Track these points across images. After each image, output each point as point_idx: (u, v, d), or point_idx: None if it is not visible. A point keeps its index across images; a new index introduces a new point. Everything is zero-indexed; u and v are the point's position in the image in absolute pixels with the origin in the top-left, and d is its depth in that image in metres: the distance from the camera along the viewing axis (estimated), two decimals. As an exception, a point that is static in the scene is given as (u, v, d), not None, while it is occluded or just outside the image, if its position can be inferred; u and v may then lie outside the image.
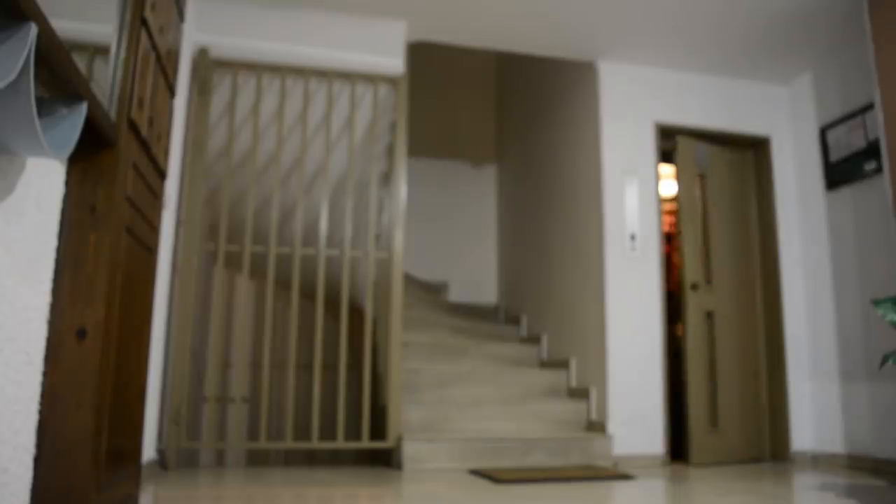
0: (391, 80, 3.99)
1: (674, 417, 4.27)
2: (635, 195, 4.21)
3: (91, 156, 1.60)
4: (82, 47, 1.43)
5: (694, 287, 4.20)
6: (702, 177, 4.46)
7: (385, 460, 3.79)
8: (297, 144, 3.92)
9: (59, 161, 1.53)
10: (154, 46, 1.90)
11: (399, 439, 3.62)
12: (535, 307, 5.26)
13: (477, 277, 6.21)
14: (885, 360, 2.74)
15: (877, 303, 2.78)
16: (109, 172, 1.62)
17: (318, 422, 3.65)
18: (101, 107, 1.48)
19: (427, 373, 4.20)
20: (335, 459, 4.16)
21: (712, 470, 3.80)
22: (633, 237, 4.16)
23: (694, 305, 4.20)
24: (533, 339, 5.12)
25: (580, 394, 4.30)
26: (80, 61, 1.34)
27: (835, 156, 4.21)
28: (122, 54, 1.66)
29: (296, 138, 3.93)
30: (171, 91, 2.24)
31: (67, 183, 1.58)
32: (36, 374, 1.47)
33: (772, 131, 4.56)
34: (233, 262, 3.99)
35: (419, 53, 4.38)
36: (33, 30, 1.03)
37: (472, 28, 4.10)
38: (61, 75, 1.22)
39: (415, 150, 5.87)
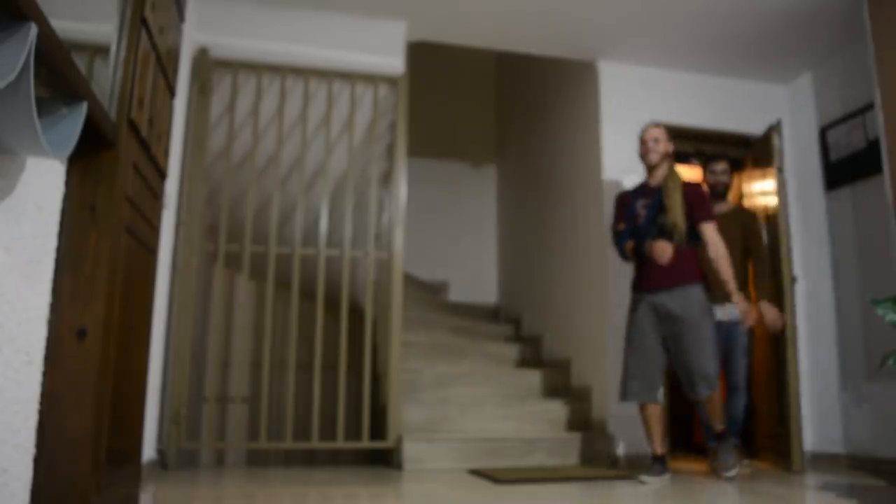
0: (391, 80, 3.98)
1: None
2: (635, 195, 4.19)
3: (91, 156, 1.59)
4: (82, 47, 1.43)
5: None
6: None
7: (385, 460, 3.79)
8: (297, 144, 3.92)
9: (59, 161, 1.53)
10: (154, 46, 1.90)
11: (399, 439, 3.62)
12: (535, 307, 5.25)
13: (476, 277, 6.21)
14: (885, 359, 2.74)
15: (877, 303, 2.78)
16: (109, 172, 1.62)
17: (318, 422, 3.65)
18: (101, 107, 1.48)
19: (427, 373, 4.20)
20: (335, 459, 4.16)
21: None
22: (633, 237, 4.15)
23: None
24: (533, 339, 5.11)
25: (580, 394, 4.29)
26: (80, 61, 1.33)
27: (835, 156, 4.20)
28: (122, 54, 1.66)
29: (296, 138, 3.93)
30: (171, 91, 2.24)
31: (67, 183, 1.58)
32: (36, 374, 1.46)
33: (772, 131, 4.56)
34: (233, 262, 3.99)
35: (419, 53, 4.37)
36: (33, 30, 1.03)
37: (472, 28, 4.10)
38: (61, 75, 1.22)
39: (415, 150, 5.84)
